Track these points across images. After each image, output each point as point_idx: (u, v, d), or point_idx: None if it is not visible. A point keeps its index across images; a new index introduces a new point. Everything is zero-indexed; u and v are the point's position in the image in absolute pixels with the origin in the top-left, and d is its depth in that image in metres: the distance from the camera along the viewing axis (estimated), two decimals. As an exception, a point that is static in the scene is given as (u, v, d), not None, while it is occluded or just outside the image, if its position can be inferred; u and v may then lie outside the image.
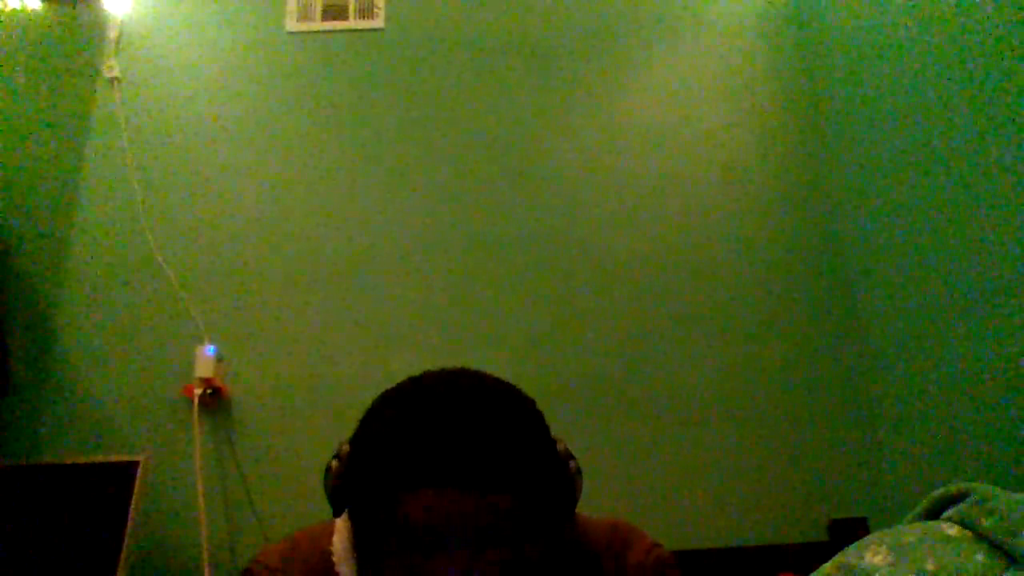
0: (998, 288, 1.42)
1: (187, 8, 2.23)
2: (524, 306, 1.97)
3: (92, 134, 2.09)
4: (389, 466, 0.62)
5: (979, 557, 0.47)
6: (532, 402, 0.70)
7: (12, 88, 2.12)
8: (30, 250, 1.98)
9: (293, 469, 1.81)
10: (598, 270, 2.00)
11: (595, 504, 0.85)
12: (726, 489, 1.82)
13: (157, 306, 1.93)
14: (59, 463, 1.63)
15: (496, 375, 0.71)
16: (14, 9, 2.18)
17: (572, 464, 0.72)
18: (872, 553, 0.51)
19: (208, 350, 1.85)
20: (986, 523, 0.49)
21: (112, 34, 2.17)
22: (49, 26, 2.19)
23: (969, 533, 0.50)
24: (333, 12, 2.23)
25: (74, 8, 2.20)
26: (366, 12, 2.23)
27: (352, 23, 2.22)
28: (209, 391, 1.83)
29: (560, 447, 0.71)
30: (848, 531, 1.74)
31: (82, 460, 1.62)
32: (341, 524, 0.75)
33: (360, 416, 0.70)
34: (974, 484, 0.53)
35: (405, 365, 0.75)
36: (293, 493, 1.78)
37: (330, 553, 0.74)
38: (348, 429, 0.71)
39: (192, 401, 1.81)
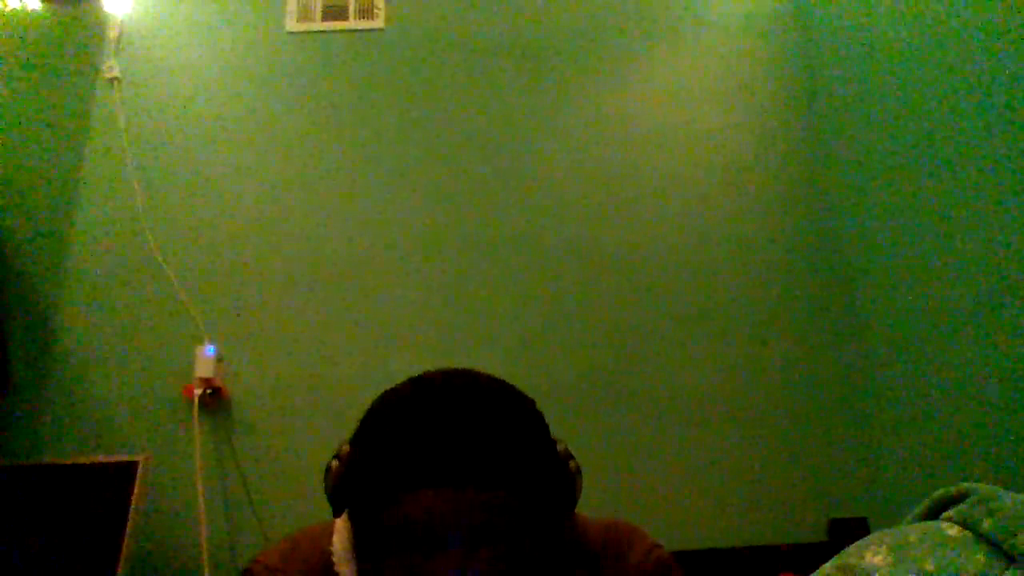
0: (998, 288, 1.42)
1: (187, 8, 2.23)
2: (525, 306, 1.97)
3: (92, 134, 2.09)
4: (389, 466, 0.62)
5: (979, 557, 0.47)
6: (532, 402, 0.70)
7: (12, 88, 2.12)
8: (30, 250, 1.98)
9: (293, 469, 1.81)
10: (598, 270, 2.00)
11: (595, 504, 0.85)
12: (726, 489, 1.82)
13: (157, 306, 1.93)
14: (59, 463, 1.63)
15: (496, 375, 0.71)
16: (14, 9, 2.18)
17: (572, 464, 0.72)
18: (872, 553, 0.51)
19: (208, 350, 1.85)
20: (987, 523, 0.49)
21: (112, 34, 2.17)
22: (49, 26, 2.19)
23: (969, 533, 0.50)
24: (333, 12, 2.23)
25: (74, 8, 2.20)
26: (366, 12, 2.23)
27: (352, 23, 2.22)
28: (209, 391, 1.83)
29: (560, 447, 0.71)
30: (848, 531, 1.74)
31: (82, 460, 1.62)
32: (341, 524, 0.75)
33: (360, 416, 0.70)
34: (975, 484, 0.53)
35: (405, 365, 0.75)
36: (293, 493, 1.78)
37: (330, 553, 0.74)
38: (348, 429, 0.71)
39: (192, 401, 1.81)
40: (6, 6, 2.18)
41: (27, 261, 1.97)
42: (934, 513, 0.55)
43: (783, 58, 2.20)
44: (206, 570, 1.69)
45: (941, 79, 1.60)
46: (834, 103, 2.07)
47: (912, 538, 0.51)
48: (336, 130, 2.13)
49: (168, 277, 1.94)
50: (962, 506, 0.52)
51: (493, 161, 2.10)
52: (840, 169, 2.02)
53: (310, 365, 1.91)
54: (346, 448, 0.70)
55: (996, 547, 0.47)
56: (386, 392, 0.70)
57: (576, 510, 0.74)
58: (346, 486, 0.68)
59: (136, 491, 1.55)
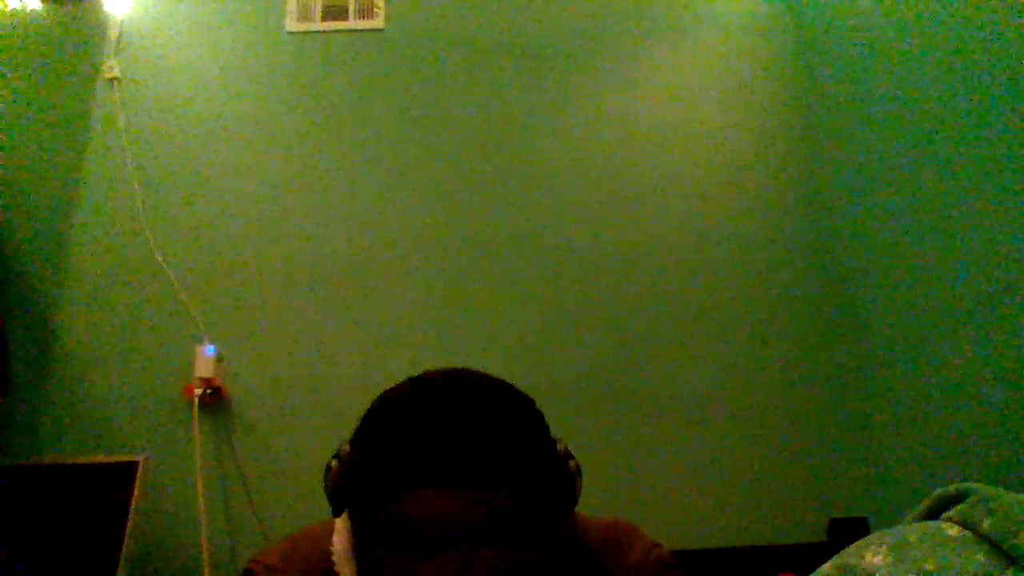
0: (997, 288, 1.42)
1: (187, 8, 2.23)
2: (525, 306, 1.97)
3: (92, 134, 2.09)
4: (389, 466, 0.62)
5: (979, 558, 0.47)
6: (532, 402, 0.70)
7: (12, 88, 2.12)
8: (30, 250, 1.98)
9: (293, 469, 1.81)
10: (598, 270, 2.00)
11: (595, 504, 0.85)
12: (726, 489, 1.82)
13: (157, 306, 1.93)
14: (59, 463, 1.63)
15: (496, 375, 0.71)
16: (14, 9, 2.18)
17: (572, 463, 0.72)
18: (872, 553, 0.51)
19: (208, 350, 1.85)
20: (987, 523, 0.49)
21: (112, 34, 2.17)
22: (49, 26, 2.19)
23: (969, 533, 0.50)
24: (333, 12, 2.23)
25: (74, 8, 2.20)
26: (366, 12, 2.23)
27: (352, 23, 2.22)
28: (209, 391, 1.83)
29: (560, 447, 0.71)
30: (848, 531, 1.74)
31: (82, 460, 1.62)
32: (341, 524, 0.75)
33: (360, 416, 0.70)
34: (975, 484, 0.53)
35: (405, 365, 0.75)
36: (293, 493, 1.78)
37: (330, 553, 0.74)
38: (348, 429, 0.71)
39: (192, 401, 1.81)
40: (6, 6, 2.18)
41: (27, 261, 1.97)
42: (934, 513, 0.55)
43: (782, 57, 2.20)
44: (206, 570, 1.69)
45: (940, 79, 1.60)
46: (833, 102, 2.07)
47: (912, 538, 0.51)
48: (336, 130, 2.13)
49: (168, 277, 1.94)
50: (962, 506, 0.52)
51: (493, 161, 2.10)
52: (839, 168, 2.02)
53: (310, 365, 1.91)
54: (346, 448, 0.70)
55: (996, 547, 0.47)
56: (386, 392, 0.70)
57: (576, 510, 0.74)
58: (346, 486, 0.68)
59: (136, 491, 1.54)
